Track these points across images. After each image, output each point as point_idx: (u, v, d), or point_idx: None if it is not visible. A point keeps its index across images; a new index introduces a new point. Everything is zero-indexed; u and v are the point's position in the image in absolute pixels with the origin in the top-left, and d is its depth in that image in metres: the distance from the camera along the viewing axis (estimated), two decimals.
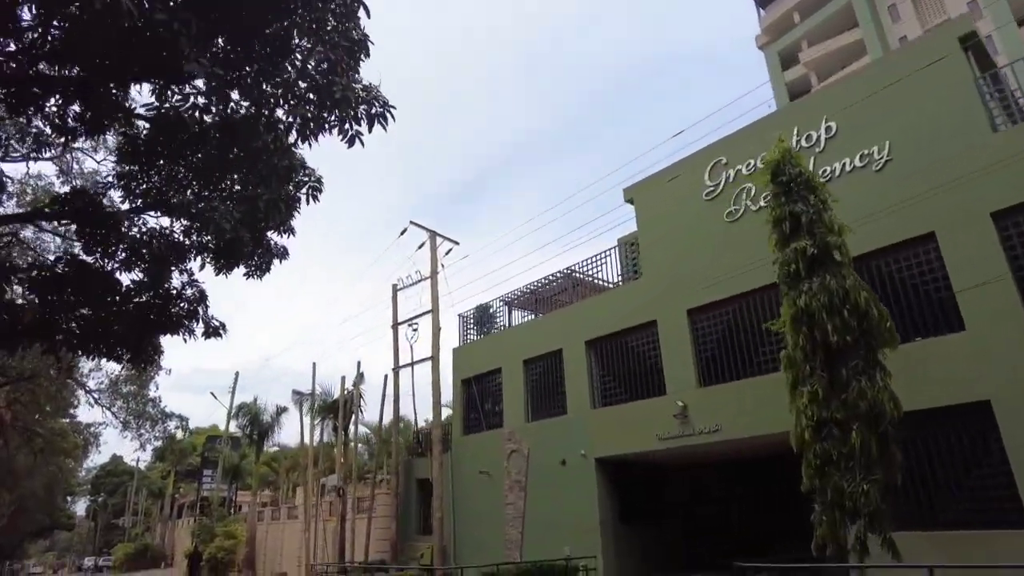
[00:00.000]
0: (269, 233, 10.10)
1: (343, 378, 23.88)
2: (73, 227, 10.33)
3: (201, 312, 10.13)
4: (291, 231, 10.11)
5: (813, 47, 47.36)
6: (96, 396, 20.35)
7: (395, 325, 24.26)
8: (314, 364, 26.80)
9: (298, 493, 39.02)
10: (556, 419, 18.37)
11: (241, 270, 10.19)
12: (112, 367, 20.42)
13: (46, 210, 9.68)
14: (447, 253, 24.05)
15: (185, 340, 10.25)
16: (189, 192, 9.24)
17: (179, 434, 21.05)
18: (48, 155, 13.05)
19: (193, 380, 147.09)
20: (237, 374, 35.21)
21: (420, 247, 24.17)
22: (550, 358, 19.16)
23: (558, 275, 20.86)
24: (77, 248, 10.26)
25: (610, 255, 19.14)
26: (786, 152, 10.54)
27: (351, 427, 24.14)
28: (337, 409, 23.65)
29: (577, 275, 20.48)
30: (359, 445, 31.63)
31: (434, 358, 22.06)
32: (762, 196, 14.69)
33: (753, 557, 18.76)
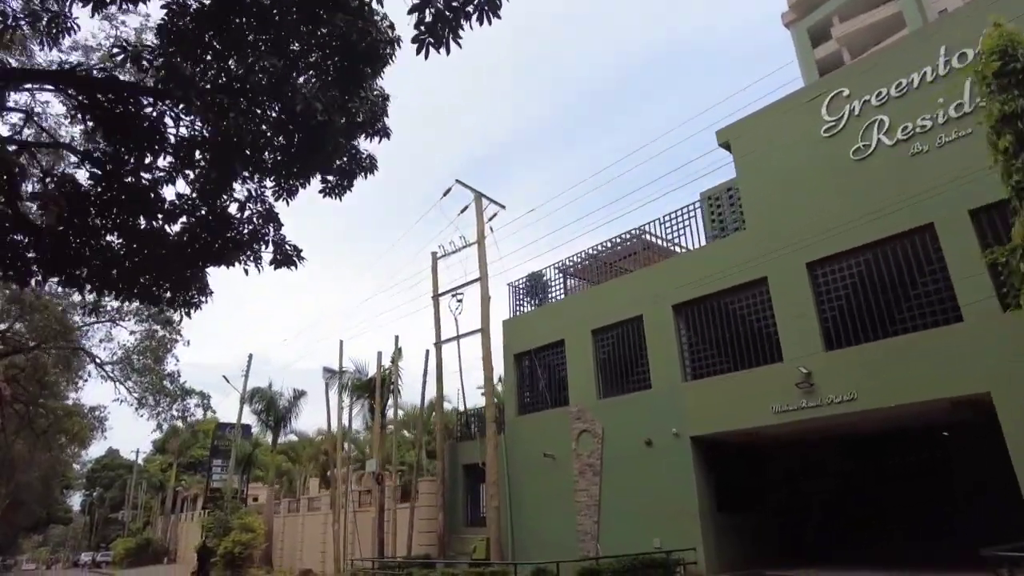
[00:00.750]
0: (360, 138, 7.76)
1: (379, 354, 21.64)
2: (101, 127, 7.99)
3: (271, 232, 7.82)
4: (385, 133, 7.81)
5: (846, 22, 45.32)
6: (109, 369, 17.99)
7: (436, 296, 21.98)
8: (341, 342, 24.52)
9: (311, 485, 36.76)
10: (636, 395, 16.16)
11: (316, 184, 7.87)
12: (124, 337, 18.12)
13: (75, 70, 7.25)
14: (492, 218, 21.77)
15: (247, 271, 7.95)
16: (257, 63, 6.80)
17: (199, 413, 18.72)
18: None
19: (185, 377, 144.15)
20: (251, 356, 32.83)
21: (463, 211, 21.89)
22: (626, 327, 16.94)
23: (627, 236, 18.62)
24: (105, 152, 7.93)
25: (693, 212, 16.87)
26: (1008, 36, 8.32)
27: (388, 409, 21.80)
28: (373, 388, 21.32)
29: (649, 236, 18.25)
30: (398, 429, 29.27)
31: (484, 330, 19.79)
32: (900, 128, 12.53)
33: (874, 542, 16.85)
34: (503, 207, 22.06)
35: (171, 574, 40.10)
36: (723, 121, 16.89)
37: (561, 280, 20.41)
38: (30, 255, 8.05)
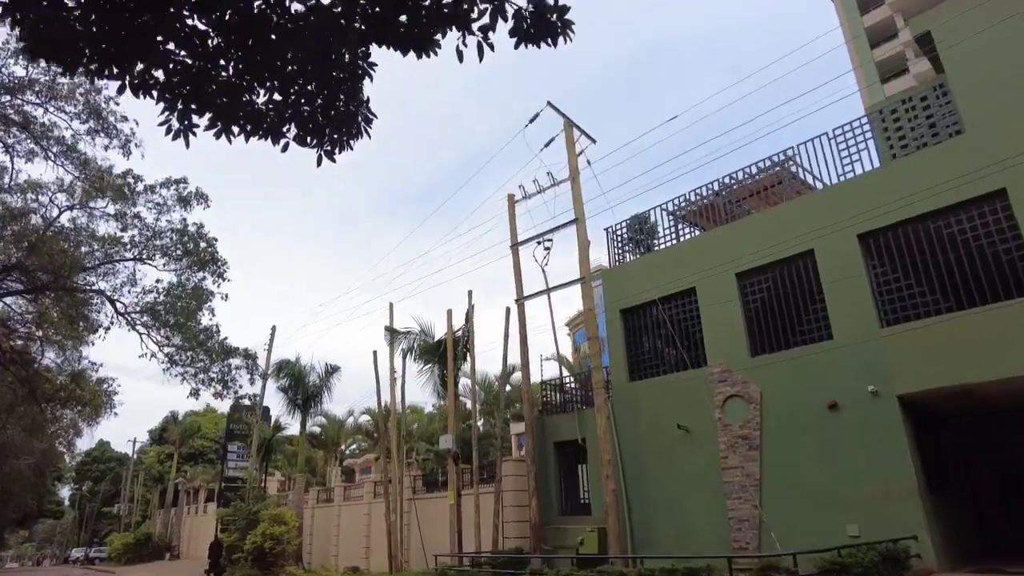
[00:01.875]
0: None
1: (449, 312, 18.22)
2: None
3: None
4: None
5: None
6: (134, 318, 14.40)
7: (516, 245, 18.66)
8: (391, 304, 21.11)
9: (333, 473, 33.37)
10: (807, 349, 12.95)
11: None
12: (149, 280, 14.70)
13: None
14: (581, 153, 18.46)
15: (461, 54, 4.59)
16: None
17: (244, 379, 15.19)
18: None
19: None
20: (274, 328, 29.29)
21: (547, 145, 18.59)
22: (786, 267, 13.72)
23: (766, 165, 15.40)
24: None
25: (860, 130, 13.66)
26: None
27: (457, 379, 18.46)
28: (442, 352, 17.97)
29: (794, 167, 15.07)
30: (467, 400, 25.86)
31: (585, 280, 16.50)
32: None
33: None
34: (594, 141, 18.76)
35: (178, 571, 36.62)
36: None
37: (671, 224, 17.17)
38: (78, 28, 4.68)
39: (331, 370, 27.59)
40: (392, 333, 19.10)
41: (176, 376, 14.72)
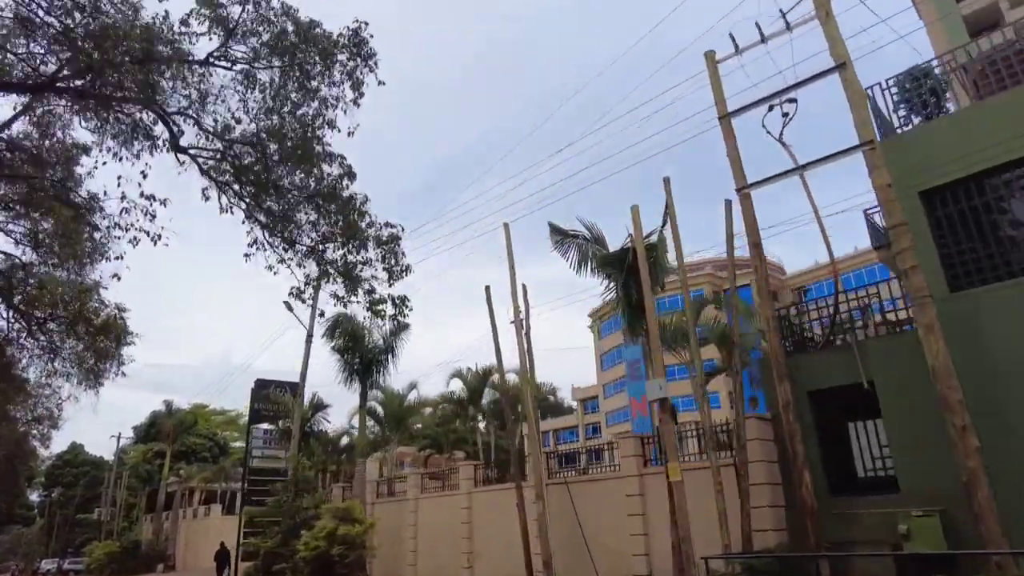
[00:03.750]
0: None
1: (636, 209, 12.50)
2: None
3: None
4: None
5: None
6: (208, 156, 8.36)
7: (727, 116, 13.11)
8: (506, 225, 15.48)
9: (392, 460, 27.35)
10: None
11: None
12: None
13: None
14: None
15: None
16: None
17: (388, 311, 9.22)
18: None
19: (146, 375, 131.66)
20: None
21: None
22: None
23: None
24: None
25: None
26: None
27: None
28: (626, 263, 12.22)
29: None
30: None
31: (873, 147, 11.01)
32: None
33: None
34: None
35: None
36: None
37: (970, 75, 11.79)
38: None
39: (399, 328, 21.70)
40: (559, 235, 13.33)
41: (273, 258, 8.79)
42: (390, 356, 21.66)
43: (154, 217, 8.94)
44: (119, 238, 9.76)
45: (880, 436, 11.12)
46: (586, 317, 73.82)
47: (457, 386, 33.17)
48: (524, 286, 16.45)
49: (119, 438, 54.93)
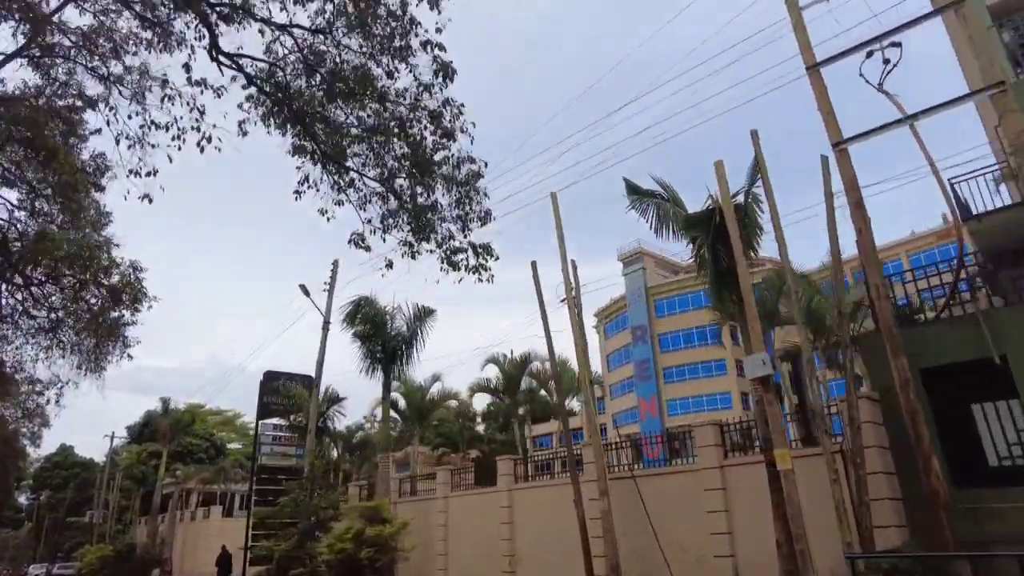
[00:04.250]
0: None
1: (720, 164, 11.01)
2: None
3: None
4: None
5: None
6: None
7: (816, 66, 11.64)
8: (553, 195, 14.02)
9: (413, 457, 25.83)
10: None
11: None
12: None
13: None
14: None
15: None
16: None
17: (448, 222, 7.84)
18: None
19: (138, 378, 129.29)
20: (336, 263, 21.80)
21: None
22: None
23: None
24: None
25: None
26: None
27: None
28: (711, 224, 10.70)
29: None
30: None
31: (1004, 87, 9.60)
32: None
33: None
34: None
35: None
36: None
37: None
38: None
39: (423, 313, 20.18)
40: (636, 194, 11.76)
41: (328, 198, 7.19)
42: (415, 343, 20.09)
43: (203, 113, 7.31)
44: (154, 145, 8.02)
45: (1016, 419, 9.68)
46: (591, 317, 72.34)
47: (492, 373, 31.39)
48: (573, 262, 14.98)
49: (112, 437, 52.77)
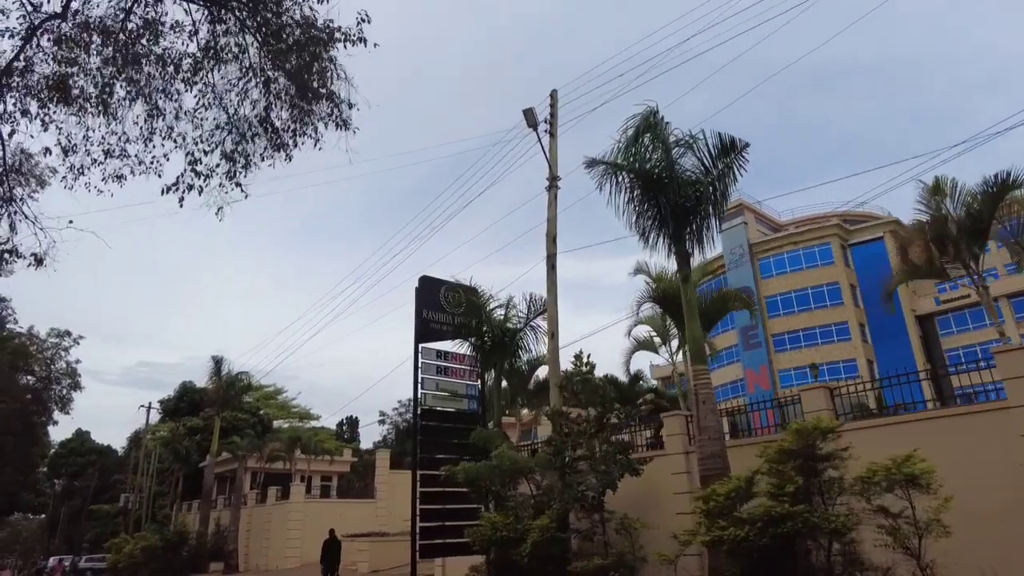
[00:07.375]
0: None
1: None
2: None
3: None
4: None
5: None
6: None
7: None
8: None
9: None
10: None
11: None
12: None
13: None
14: None
15: None
16: None
17: None
18: None
19: (139, 373, 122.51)
20: (555, 92, 13.89)
21: None
22: None
23: None
24: None
25: None
26: None
27: None
28: None
29: None
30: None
31: None
32: None
33: None
34: None
35: None
36: None
37: None
38: None
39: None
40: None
41: None
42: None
43: None
44: None
45: None
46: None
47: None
48: None
49: (149, 408, 44.82)
